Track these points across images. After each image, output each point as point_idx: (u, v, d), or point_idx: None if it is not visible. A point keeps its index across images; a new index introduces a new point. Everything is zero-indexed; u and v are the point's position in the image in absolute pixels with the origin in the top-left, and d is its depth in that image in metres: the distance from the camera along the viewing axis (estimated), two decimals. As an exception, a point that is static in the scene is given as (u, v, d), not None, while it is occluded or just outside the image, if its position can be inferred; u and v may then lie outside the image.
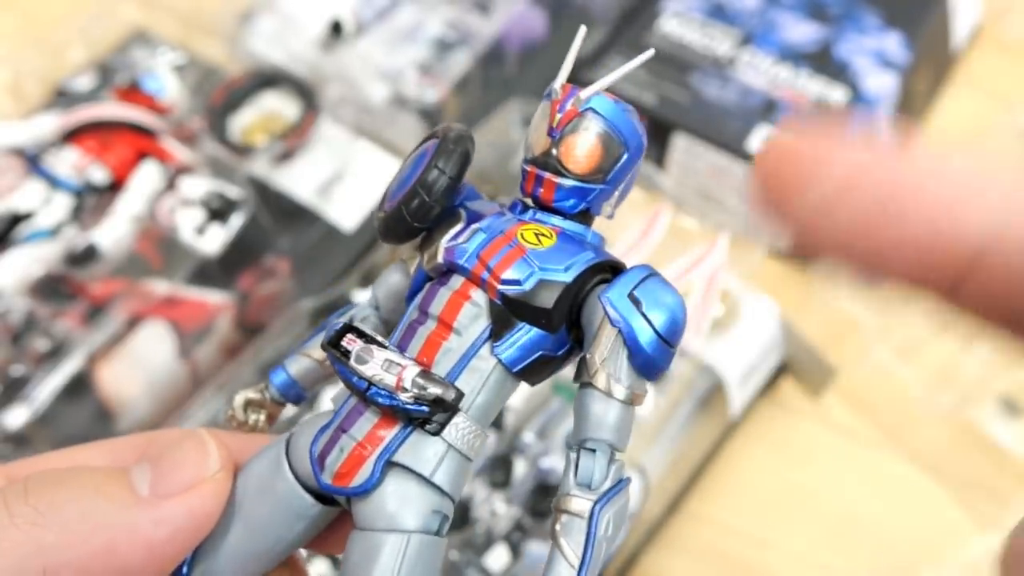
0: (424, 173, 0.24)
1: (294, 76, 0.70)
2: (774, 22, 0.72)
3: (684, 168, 0.68)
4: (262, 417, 0.28)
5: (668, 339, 0.22)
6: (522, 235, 0.23)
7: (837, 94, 0.67)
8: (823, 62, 0.69)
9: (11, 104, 0.72)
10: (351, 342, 0.23)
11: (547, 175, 0.24)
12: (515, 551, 0.49)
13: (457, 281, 0.23)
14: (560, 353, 0.23)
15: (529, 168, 0.24)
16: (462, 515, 0.50)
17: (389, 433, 0.22)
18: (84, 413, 0.56)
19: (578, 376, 0.23)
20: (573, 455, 0.22)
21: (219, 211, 0.62)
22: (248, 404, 0.27)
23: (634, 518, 0.51)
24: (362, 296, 0.58)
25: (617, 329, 0.22)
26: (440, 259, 0.24)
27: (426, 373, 0.22)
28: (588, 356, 0.22)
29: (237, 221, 0.62)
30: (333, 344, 0.23)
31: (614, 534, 0.22)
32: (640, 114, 0.25)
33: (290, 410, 0.28)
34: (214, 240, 0.61)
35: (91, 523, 0.21)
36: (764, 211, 0.19)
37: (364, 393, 0.22)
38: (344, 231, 0.65)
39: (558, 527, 0.22)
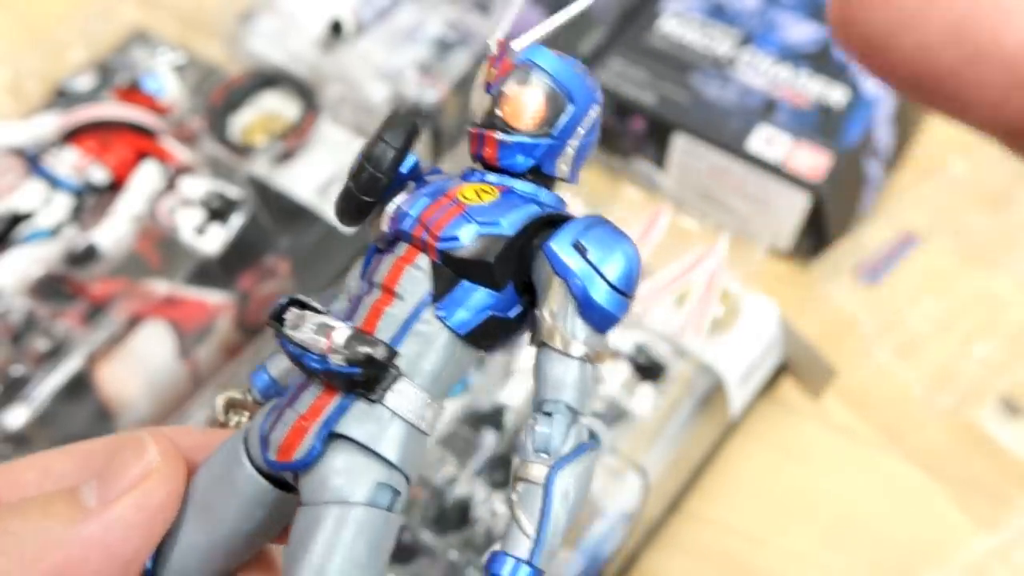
0: (370, 146, 0.23)
1: (294, 76, 0.70)
2: (774, 22, 0.72)
3: (684, 168, 0.68)
4: (244, 418, 0.27)
5: (619, 286, 0.21)
6: (463, 193, 0.23)
7: (837, 94, 0.67)
8: (823, 62, 0.69)
9: (11, 104, 0.72)
10: (290, 313, 0.22)
11: (488, 132, 0.23)
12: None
13: (402, 248, 0.23)
14: (512, 315, 0.22)
15: (472, 129, 0.24)
16: (462, 515, 0.50)
17: (330, 403, 0.22)
18: (84, 413, 0.56)
19: (534, 337, 0.22)
20: (531, 420, 0.22)
21: (219, 211, 0.62)
22: (230, 405, 0.27)
23: (634, 518, 0.51)
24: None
25: (563, 280, 0.21)
26: (385, 227, 0.23)
27: (357, 334, 0.21)
28: (538, 312, 0.22)
29: (237, 221, 0.62)
30: (276, 317, 0.23)
31: (576, 501, 0.21)
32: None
33: None
34: (214, 240, 0.61)
35: (41, 543, 0.22)
36: (835, 32, 0.17)
37: (299, 360, 0.22)
38: (344, 231, 0.65)
39: (515, 497, 0.21)
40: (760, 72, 0.69)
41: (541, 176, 0.24)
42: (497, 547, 0.21)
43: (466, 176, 0.24)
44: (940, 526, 0.57)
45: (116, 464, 0.24)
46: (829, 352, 0.60)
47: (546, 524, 0.20)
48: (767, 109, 0.67)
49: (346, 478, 0.21)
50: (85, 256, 0.58)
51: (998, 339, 0.62)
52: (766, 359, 0.59)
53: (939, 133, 0.75)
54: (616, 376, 0.54)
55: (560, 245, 0.21)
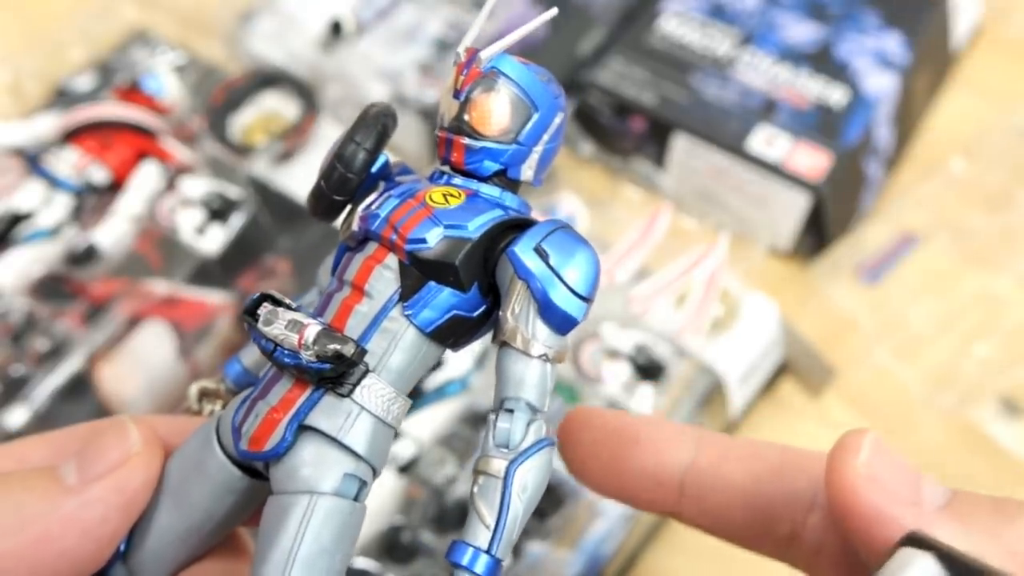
0: (341, 147, 0.24)
1: (294, 76, 0.70)
2: (774, 22, 0.72)
3: (684, 168, 0.68)
4: (217, 407, 0.28)
5: (577, 290, 0.22)
6: (430, 196, 0.23)
7: (837, 94, 0.67)
8: (823, 62, 0.69)
9: (11, 104, 0.72)
10: (264, 308, 0.23)
11: (456, 138, 0.24)
12: (515, 551, 0.49)
13: (372, 247, 0.24)
14: (476, 314, 0.23)
15: (440, 133, 0.24)
16: (462, 515, 0.50)
17: (301, 397, 0.22)
18: (84, 413, 0.56)
19: (496, 336, 0.23)
20: (492, 416, 0.22)
21: (219, 211, 0.62)
22: (204, 394, 0.28)
23: (634, 518, 0.51)
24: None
25: (525, 283, 0.22)
26: (355, 227, 0.24)
27: (327, 330, 0.22)
28: (501, 313, 0.23)
29: (237, 221, 0.62)
30: (249, 312, 0.23)
31: (534, 494, 0.22)
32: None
33: None
34: (214, 240, 0.61)
35: (22, 516, 0.23)
36: (564, 459, 0.30)
37: (272, 355, 0.22)
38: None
39: (475, 489, 0.22)
40: (760, 72, 0.69)
41: (506, 180, 0.24)
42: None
43: (434, 178, 0.25)
44: (940, 526, 0.57)
45: (96, 446, 0.24)
46: (829, 352, 0.60)
47: (504, 515, 0.21)
48: (767, 109, 0.67)
49: (315, 468, 0.22)
50: (85, 256, 0.58)
51: (998, 339, 0.62)
52: (766, 359, 0.59)
53: (939, 133, 0.75)
54: (616, 376, 0.54)
55: (523, 249, 0.22)
